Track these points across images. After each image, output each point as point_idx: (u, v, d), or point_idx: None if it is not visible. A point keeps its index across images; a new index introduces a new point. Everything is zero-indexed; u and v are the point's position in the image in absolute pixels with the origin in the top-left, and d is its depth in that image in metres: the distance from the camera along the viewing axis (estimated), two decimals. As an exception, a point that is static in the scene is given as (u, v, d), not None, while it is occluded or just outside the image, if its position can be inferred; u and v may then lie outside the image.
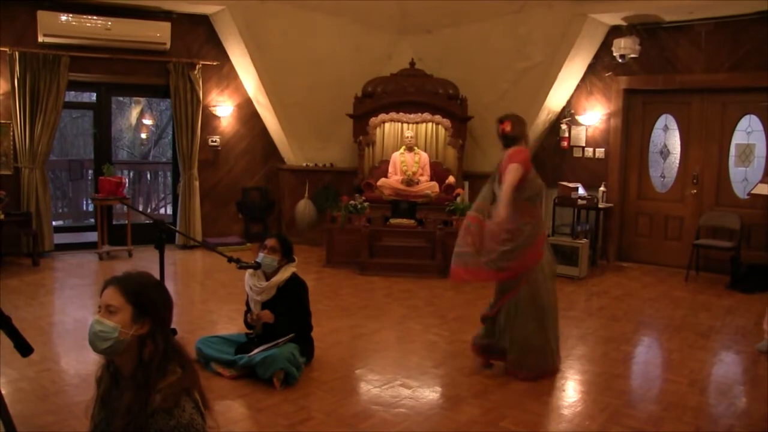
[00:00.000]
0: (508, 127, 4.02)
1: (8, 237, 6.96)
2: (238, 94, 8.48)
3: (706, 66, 7.06)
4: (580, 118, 7.98)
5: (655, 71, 7.41)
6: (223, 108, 8.35)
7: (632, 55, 7.23)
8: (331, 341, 4.60)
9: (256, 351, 3.83)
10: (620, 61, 7.31)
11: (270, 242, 4.06)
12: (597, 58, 7.75)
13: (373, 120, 7.92)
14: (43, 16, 6.96)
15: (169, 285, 5.27)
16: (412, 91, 7.68)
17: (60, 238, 7.69)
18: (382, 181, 7.72)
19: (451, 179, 7.77)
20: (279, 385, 3.71)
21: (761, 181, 6.67)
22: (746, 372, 4.30)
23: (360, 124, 7.84)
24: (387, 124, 8.24)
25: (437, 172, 7.91)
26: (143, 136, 12.73)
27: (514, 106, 7.64)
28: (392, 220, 7.29)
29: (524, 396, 3.75)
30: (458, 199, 7.37)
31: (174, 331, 1.89)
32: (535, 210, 4.05)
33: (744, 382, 4.13)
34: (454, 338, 4.78)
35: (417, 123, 8.11)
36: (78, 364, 4.03)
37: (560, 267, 6.94)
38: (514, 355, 4.00)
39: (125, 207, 7.73)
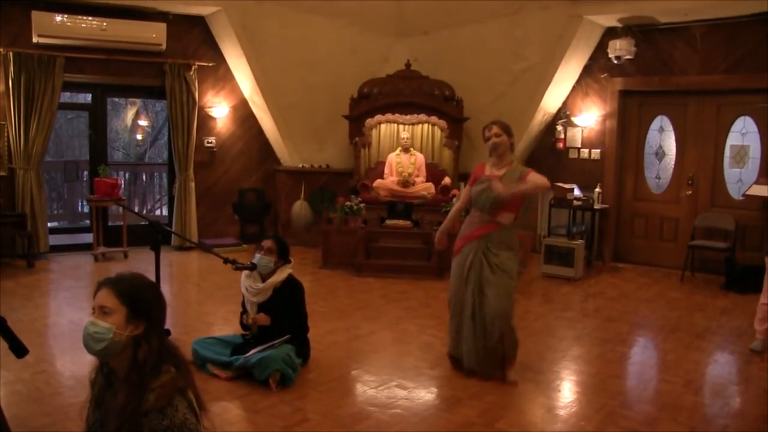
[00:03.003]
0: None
1: (3, 238, 6.93)
2: (233, 96, 8.47)
3: (701, 68, 7.08)
4: (575, 120, 8.00)
5: (651, 73, 7.43)
6: (219, 109, 8.34)
7: (628, 57, 7.25)
8: (327, 342, 4.60)
9: (252, 352, 3.82)
10: (616, 62, 7.33)
11: (266, 243, 4.06)
12: (592, 59, 7.77)
13: (369, 121, 7.92)
14: (38, 17, 6.93)
15: (165, 286, 5.25)
16: (408, 93, 7.69)
17: (55, 240, 7.68)
18: (378, 183, 7.73)
19: (447, 180, 7.78)
20: (275, 386, 3.71)
21: (756, 182, 6.70)
22: (741, 372, 4.31)
23: (356, 125, 7.84)
24: (383, 126, 8.25)
25: (433, 173, 7.92)
26: (139, 137, 12.68)
27: (510, 108, 7.72)
28: (388, 222, 7.29)
29: (520, 397, 3.76)
30: (454, 200, 7.37)
31: (168, 332, 1.89)
32: (472, 212, 4.08)
33: (738, 382, 4.14)
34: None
35: (413, 124, 8.11)
36: (73, 365, 4.02)
37: (556, 268, 6.99)
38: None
39: (121, 208, 7.70)
